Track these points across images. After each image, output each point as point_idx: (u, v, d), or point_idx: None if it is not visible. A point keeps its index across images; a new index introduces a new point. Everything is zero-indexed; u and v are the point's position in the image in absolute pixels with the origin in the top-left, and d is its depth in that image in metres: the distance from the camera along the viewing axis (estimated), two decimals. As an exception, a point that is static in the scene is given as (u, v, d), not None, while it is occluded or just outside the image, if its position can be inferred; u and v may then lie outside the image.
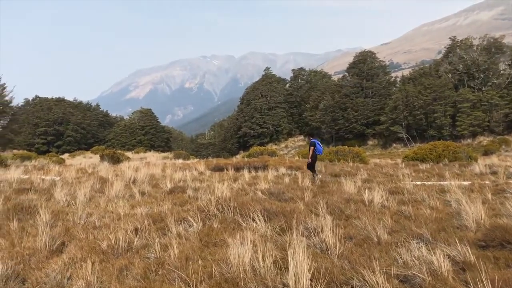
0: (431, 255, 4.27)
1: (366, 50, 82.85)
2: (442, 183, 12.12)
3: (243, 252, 4.18)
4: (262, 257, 4.15)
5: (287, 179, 12.81)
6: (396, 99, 62.84)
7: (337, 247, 4.87)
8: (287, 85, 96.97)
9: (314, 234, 5.41)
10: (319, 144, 14.56)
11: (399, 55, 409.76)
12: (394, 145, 65.47)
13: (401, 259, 4.53)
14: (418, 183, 12.38)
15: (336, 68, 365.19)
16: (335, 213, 7.18)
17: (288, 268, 3.93)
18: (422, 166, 19.28)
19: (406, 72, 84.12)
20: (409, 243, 4.99)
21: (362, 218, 6.45)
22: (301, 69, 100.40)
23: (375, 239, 5.47)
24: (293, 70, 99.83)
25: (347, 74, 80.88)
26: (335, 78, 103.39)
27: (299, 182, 12.00)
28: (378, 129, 68.45)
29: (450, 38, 71.78)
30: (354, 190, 10.04)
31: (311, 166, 14.62)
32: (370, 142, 71.15)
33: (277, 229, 5.67)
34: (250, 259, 4.15)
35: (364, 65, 75.81)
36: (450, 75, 61.59)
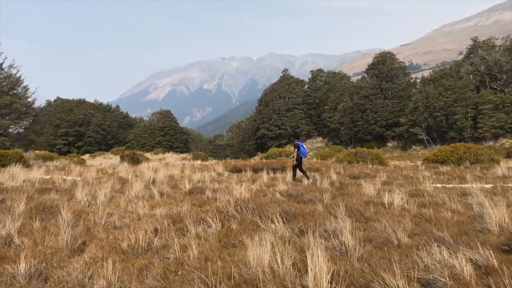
0: (453, 259, 4.20)
1: (385, 51, 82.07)
2: (463, 185, 11.91)
3: (262, 254, 4.18)
4: (281, 259, 4.14)
5: (305, 181, 12.74)
6: (416, 100, 62.05)
7: (357, 250, 4.83)
8: (306, 87, 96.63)
9: (333, 237, 5.38)
10: (303, 147, 15.00)
11: (419, 56, 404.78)
12: (413, 147, 64.67)
13: (422, 262, 4.47)
14: (439, 185, 12.18)
15: (354, 69, 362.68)
16: (354, 215, 7.12)
17: (307, 270, 3.92)
18: (443, 169, 18.99)
19: (426, 73, 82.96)
20: (430, 246, 4.92)
21: (382, 220, 6.39)
22: (320, 70, 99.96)
23: (395, 242, 5.41)
24: (311, 71, 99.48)
25: (366, 75, 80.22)
26: (354, 79, 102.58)
27: (318, 184, 11.93)
28: (397, 131, 67.73)
29: (471, 38, 70.60)
30: (373, 192, 9.94)
31: (295, 168, 14.95)
32: (389, 144, 70.40)
33: (296, 231, 5.65)
34: (269, 260, 4.15)
35: (384, 66, 75.08)
36: (471, 76, 60.51)
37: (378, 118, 69.85)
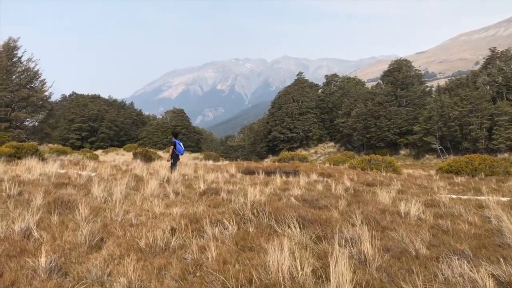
0: (474, 273, 4.14)
1: (401, 58, 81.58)
2: (479, 197, 11.76)
3: (281, 259, 4.15)
4: (301, 265, 4.12)
5: (319, 186, 12.69)
6: (431, 109, 61.58)
7: (376, 259, 4.78)
8: (320, 91, 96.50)
9: (351, 245, 5.34)
10: (179, 144, 15.84)
11: (434, 64, 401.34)
12: (427, 156, 64.15)
13: (442, 275, 4.41)
14: (454, 196, 12.05)
15: (369, 75, 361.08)
16: (370, 223, 7.06)
17: (326, 278, 3.89)
18: (457, 179, 18.78)
19: (441, 82, 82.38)
20: (450, 258, 4.86)
21: (399, 230, 6.33)
22: (334, 75, 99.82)
23: (413, 252, 5.34)
24: (326, 76, 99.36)
25: (381, 82, 79.90)
26: (368, 85, 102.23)
27: (332, 190, 11.87)
28: (411, 139, 67.29)
29: (490, 49, 69.91)
30: (389, 200, 9.85)
31: (173, 165, 15.79)
32: (402, 152, 69.94)
33: (313, 237, 5.62)
34: (289, 266, 4.12)
35: (399, 74, 74.66)
36: (488, 87, 59.86)
37: (391, 125, 69.46)
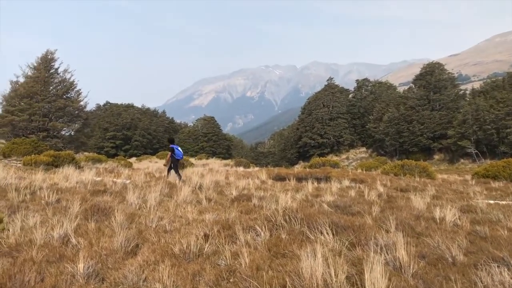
0: (516, 281, 4.00)
1: (434, 62, 79.92)
2: (518, 203, 11.37)
3: (315, 265, 4.12)
4: (335, 272, 4.08)
5: (352, 192, 12.54)
6: (465, 112, 60.05)
7: (411, 266, 4.69)
8: (350, 96, 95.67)
9: (386, 251, 5.25)
10: (178, 149, 16.06)
11: (468, 67, 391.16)
12: (461, 160, 62.56)
13: (481, 282, 4.28)
14: (491, 202, 11.69)
15: (401, 79, 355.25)
16: (405, 230, 6.92)
17: (361, 284, 3.84)
18: (495, 184, 18.21)
19: (476, 85, 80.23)
20: (489, 266, 4.71)
21: (434, 236, 6.19)
22: (365, 79, 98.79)
23: (450, 259, 5.22)
24: (357, 80, 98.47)
25: (413, 86, 78.56)
26: (400, 89, 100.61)
27: (365, 196, 11.71)
28: (445, 143, 65.78)
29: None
30: (423, 206, 9.64)
31: (170, 169, 16.15)
32: (436, 157, 68.40)
33: (346, 243, 5.56)
34: (323, 273, 4.09)
35: (432, 77, 73.17)
36: (526, 89, 58.01)
37: (424, 129, 68.09)
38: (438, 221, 7.82)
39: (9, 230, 6.05)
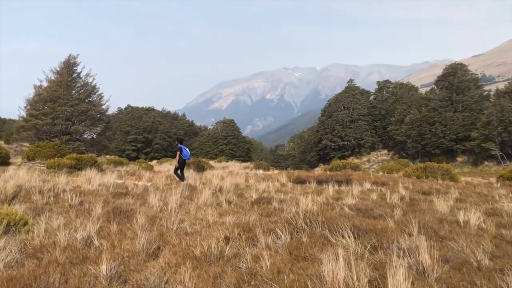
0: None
1: (456, 62, 78.61)
2: (546, 207, 11.06)
3: (337, 269, 4.08)
4: (357, 275, 4.03)
5: (373, 195, 12.40)
6: (490, 114, 58.90)
7: (435, 270, 4.60)
8: (371, 97, 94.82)
9: (409, 255, 5.16)
10: (186, 150, 16.30)
11: (492, 67, 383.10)
12: (486, 162, 61.38)
13: (508, 288, 4.18)
14: (518, 205, 11.41)
15: (422, 80, 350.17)
16: (428, 233, 6.80)
17: (384, 289, 3.78)
18: (521, 187, 17.78)
19: (501, 86, 78.58)
20: (517, 271, 4.58)
21: (458, 240, 6.06)
22: (387, 81, 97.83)
23: (475, 263, 5.10)
24: (378, 82, 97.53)
25: (435, 87, 77.45)
26: (422, 91, 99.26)
27: (387, 199, 11.57)
28: (468, 146, 64.62)
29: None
30: (446, 209, 9.47)
31: (177, 170, 16.32)
32: (459, 159, 67.23)
33: (368, 247, 5.49)
34: (344, 276, 4.04)
35: (454, 78, 71.97)
36: (553, 89, 56.60)
37: (447, 131, 66.98)
38: (462, 224, 7.67)
39: (33, 232, 6.18)
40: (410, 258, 5.08)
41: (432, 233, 6.87)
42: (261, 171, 30.26)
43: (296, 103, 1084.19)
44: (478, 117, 64.17)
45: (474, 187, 18.14)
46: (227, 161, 61.20)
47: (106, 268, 4.43)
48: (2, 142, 46.45)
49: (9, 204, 7.68)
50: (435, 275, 4.55)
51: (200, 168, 26.41)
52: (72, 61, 39.60)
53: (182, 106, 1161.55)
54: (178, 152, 16.22)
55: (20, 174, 12.30)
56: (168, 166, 39.66)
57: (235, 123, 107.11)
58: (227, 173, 22.49)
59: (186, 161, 16.94)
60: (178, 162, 16.19)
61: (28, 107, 37.43)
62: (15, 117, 43.14)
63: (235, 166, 46.40)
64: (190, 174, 19.44)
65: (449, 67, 75.98)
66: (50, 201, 9.08)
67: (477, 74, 79.93)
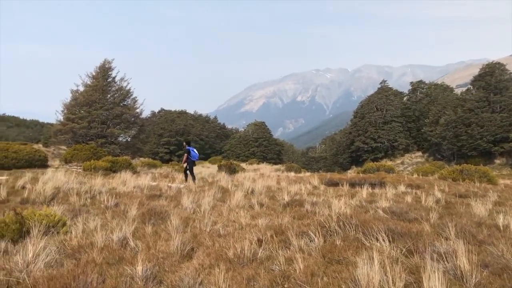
0: None
1: (493, 62, 76.12)
2: None
3: (372, 273, 4.02)
4: (392, 280, 3.95)
5: (408, 198, 12.15)
6: (530, 114, 56.79)
7: (473, 275, 4.46)
8: (405, 98, 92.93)
9: (446, 259, 5.03)
10: (194, 151, 16.69)
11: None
12: (526, 165, 59.15)
13: (553, 296, 4.01)
14: (562, 209, 10.94)
15: (457, 81, 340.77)
16: (465, 237, 6.61)
17: (421, 294, 3.70)
18: None
19: (542, 85, 75.52)
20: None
21: (498, 244, 5.87)
22: (420, 81, 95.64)
23: (516, 269, 4.92)
24: (411, 83, 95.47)
25: (471, 87, 75.14)
26: (457, 91, 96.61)
27: (422, 202, 11.31)
28: (507, 147, 62.36)
29: None
30: (484, 213, 9.19)
31: (186, 170, 16.70)
32: (497, 161, 65.00)
33: (403, 251, 5.39)
34: (380, 280, 3.98)
35: (492, 78, 69.64)
36: None
37: (484, 133, 64.85)
38: (501, 228, 7.43)
39: (71, 232, 6.36)
40: (447, 262, 4.96)
41: (470, 237, 6.68)
42: (292, 174, 30.14)
43: (328, 105, 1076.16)
44: (517, 118, 62.00)
45: (514, 190, 17.53)
46: (258, 164, 61.31)
47: (142, 269, 4.52)
48: (41, 145, 48.07)
49: (48, 206, 7.93)
50: (474, 280, 4.41)
51: (232, 171, 26.54)
52: (107, 65, 40.56)
53: (214, 109, 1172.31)
54: (186, 154, 16.63)
55: (58, 176, 12.68)
56: (200, 169, 40.09)
57: (266, 125, 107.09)
58: (259, 176, 22.52)
59: (194, 161, 17.49)
60: (185, 162, 16.66)
61: (65, 111, 38.54)
62: (52, 121, 44.47)
63: (266, 168, 46.43)
64: (222, 176, 19.59)
65: (486, 67, 73.58)
66: (87, 203, 9.33)
67: (516, 74, 77.22)
